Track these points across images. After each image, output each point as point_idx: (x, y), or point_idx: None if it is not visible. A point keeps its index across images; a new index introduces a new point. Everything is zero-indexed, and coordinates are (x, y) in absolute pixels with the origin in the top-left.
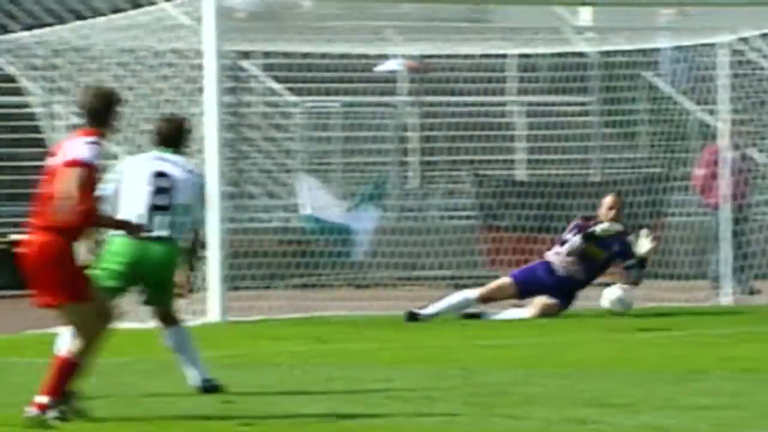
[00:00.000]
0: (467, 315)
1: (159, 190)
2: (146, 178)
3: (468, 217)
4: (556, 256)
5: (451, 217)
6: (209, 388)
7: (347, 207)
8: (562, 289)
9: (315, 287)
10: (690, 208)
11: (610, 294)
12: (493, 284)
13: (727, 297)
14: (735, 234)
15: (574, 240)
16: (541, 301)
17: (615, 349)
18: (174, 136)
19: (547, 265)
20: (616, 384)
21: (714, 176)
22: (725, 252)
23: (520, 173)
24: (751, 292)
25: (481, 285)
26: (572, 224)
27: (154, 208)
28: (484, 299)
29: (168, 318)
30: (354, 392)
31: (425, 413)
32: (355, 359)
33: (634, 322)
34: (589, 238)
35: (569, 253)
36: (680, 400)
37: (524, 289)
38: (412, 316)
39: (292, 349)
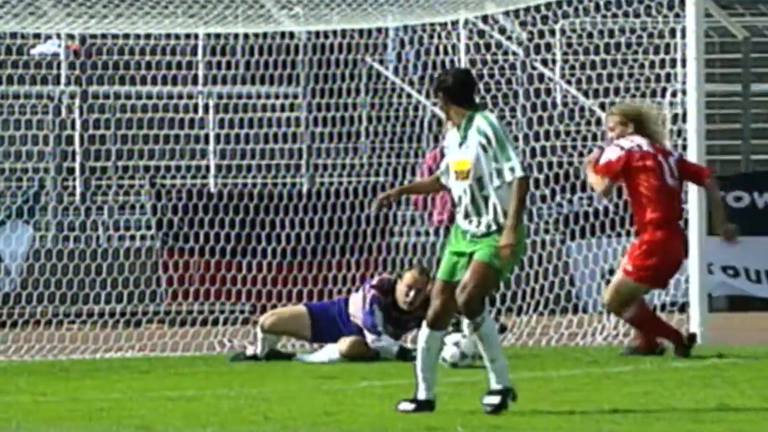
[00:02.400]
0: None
1: None
2: None
3: (144, 237)
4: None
5: (124, 238)
6: None
7: None
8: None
9: None
10: (418, 227)
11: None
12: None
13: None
14: None
15: (375, 319)
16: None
17: (331, 402)
18: None
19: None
20: None
21: None
22: None
23: (211, 182)
24: (503, 329)
25: (164, 322)
26: (370, 295)
27: None
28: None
29: None
30: None
31: None
32: (5, 415)
33: (353, 367)
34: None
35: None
36: None
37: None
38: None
39: None
